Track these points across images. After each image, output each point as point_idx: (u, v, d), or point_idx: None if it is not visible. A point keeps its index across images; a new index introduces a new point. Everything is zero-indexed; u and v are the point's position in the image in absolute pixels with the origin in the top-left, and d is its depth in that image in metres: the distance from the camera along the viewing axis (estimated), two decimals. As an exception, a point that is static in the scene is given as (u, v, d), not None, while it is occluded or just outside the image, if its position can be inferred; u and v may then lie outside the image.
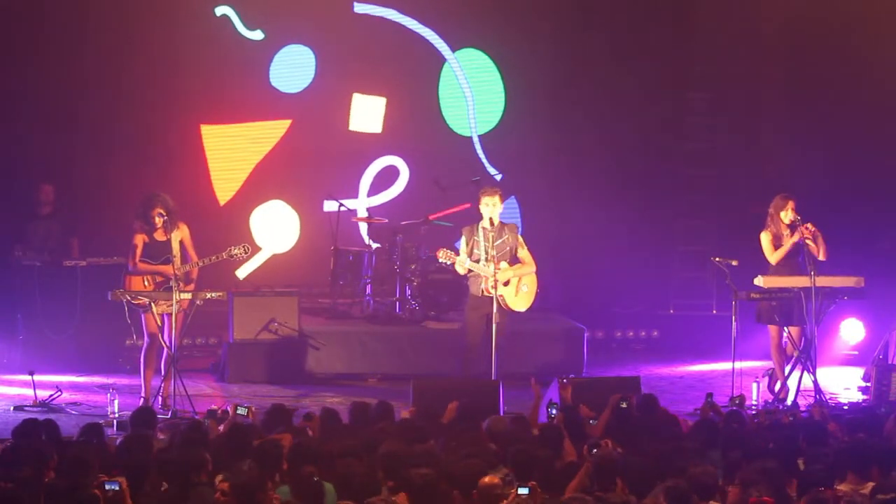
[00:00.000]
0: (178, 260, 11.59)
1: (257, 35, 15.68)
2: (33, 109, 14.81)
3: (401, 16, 16.14)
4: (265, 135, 15.98)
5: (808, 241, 11.99)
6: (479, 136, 16.45)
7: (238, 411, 9.51)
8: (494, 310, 11.52)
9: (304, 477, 7.30)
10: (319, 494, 7.24)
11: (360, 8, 16.02)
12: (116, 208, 14.02)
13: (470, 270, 11.72)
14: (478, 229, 11.76)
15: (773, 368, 12.26)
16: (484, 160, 16.38)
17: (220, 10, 15.59)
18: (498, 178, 16.16)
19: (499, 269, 11.58)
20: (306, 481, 7.26)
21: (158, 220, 11.57)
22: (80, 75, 14.87)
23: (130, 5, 15.04)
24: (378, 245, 14.94)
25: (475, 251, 11.71)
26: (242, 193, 15.89)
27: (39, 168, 14.78)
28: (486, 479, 7.22)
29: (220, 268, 13.04)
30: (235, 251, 11.76)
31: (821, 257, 11.94)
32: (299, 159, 15.95)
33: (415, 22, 16.19)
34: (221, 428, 9.15)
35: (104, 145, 14.95)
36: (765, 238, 12.15)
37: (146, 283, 11.61)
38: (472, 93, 16.40)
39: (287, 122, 15.96)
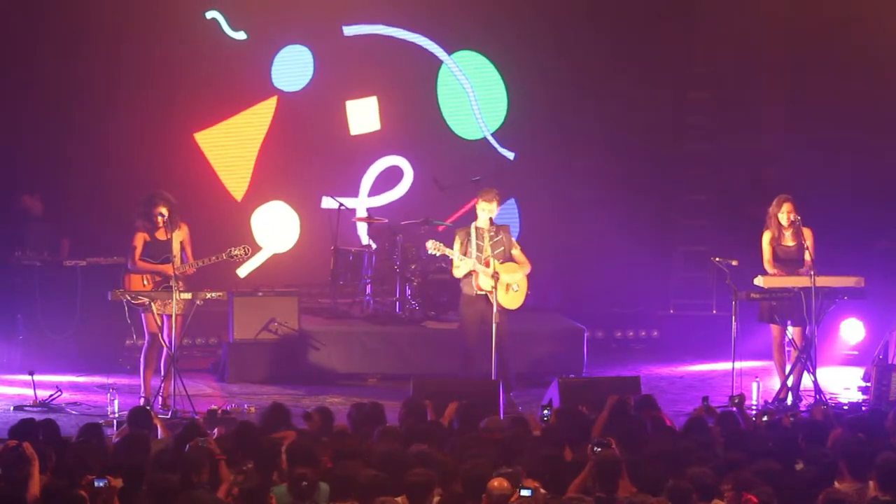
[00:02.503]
0: (177, 260, 11.58)
1: (241, 35, 15.66)
2: (27, 115, 14.82)
3: (390, 28, 16.14)
4: (257, 118, 15.96)
5: (806, 245, 12.02)
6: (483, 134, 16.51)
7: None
8: (495, 309, 11.54)
9: (297, 479, 7.31)
10: (312, 496, 7.25)
11: (349, 31, 16.03)
12: (115, 214, 14.00)
13: (465, 275, 11.79)
14: (472, 230, 11.82)
15: (791, 370, 12.17)
16: (495, 144, 16.38)
17: (210, 15, 15.60)
18: (511, 156, 16.23)
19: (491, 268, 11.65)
20: (298, 483, 7.27)
21: (160, 219, 11.55)
22: (70, 83, 14.87)
23: (115, 17, 15.03)
24: (376, 245, 14.97)
25: (469, 251, 11.77)
26: (255, 186, 15.89)
27: (33, 173, 14.79)
28: (496, 483, 7.21)
29: (221, 268, 13.04)
30: (235, 252, 11.75)
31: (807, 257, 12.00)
32: (301, 159, 15.96)
33: (406, 32, 16.19)
34: (218, 431, 9.13)
35: (100, 152, 14.92)
36: (765, 239, 12.18)
37: (145, 282, 11.60)
38: (475, 93, 16.40)
39: (273, 99, 15.92)
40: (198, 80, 15.40)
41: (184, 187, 14.06)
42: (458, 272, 11.89)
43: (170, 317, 11.39)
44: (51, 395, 11.81)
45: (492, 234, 11.83)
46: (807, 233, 12.08)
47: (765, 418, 9.83)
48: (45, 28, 14.85)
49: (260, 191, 15.92)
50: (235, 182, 15.92)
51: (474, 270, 11.73)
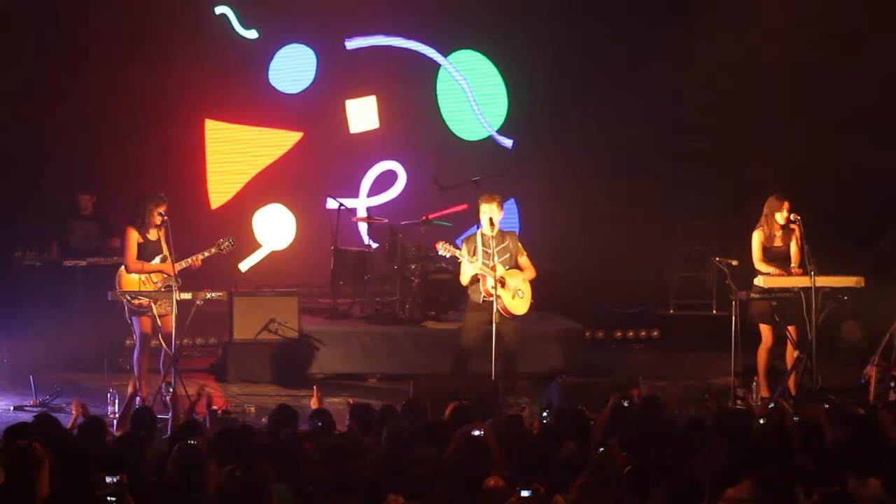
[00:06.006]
0: (169, 260, 11.56)
1: (252, 34, 15.75)
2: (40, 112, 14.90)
3: (389, 38, 16.21)
4: (272, 144, 16.05)
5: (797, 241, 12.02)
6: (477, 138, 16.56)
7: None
8: (495, 310, 11.53)
9: (303, 481, 7.31)
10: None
11: (351, 44, 16.11)
12: (113, 207, 14.04)
13: (471, 281, 11.77)
14: (477, 236, 11.79)
15: (791, 370, 12.16)
16: (493, 133, 16.42)
17: (219, 10, 15.70)
18: (509, 143, 16.25)
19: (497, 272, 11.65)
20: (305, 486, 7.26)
21: (158, 219, 11.53)
22: (79, 70, 14.94)
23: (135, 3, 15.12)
24: (376, 245, 15.01)
25: (476, 258, 11.76)
26: (236, 199, 15.95)
27: (37, 180, 14.84)
28: (491, 482, 7.22)
29: (221, 267, 13.04)
30: (224, 245, 11.76)
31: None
32: (300, 160, 15.99)
33: (404, 40, 16.25)
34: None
35: (100, 143, 14.97)
36: (756, 238, 12.17)
37: (146, 283, 11.56)
38: (473, 93, 16.45)
39: (298, 135, 16.03)
40: (210, 70, 15.47)
41: (177, 186, 14.11)
42: (465, 278, 11.82)
43: (167, 316, 11.36)
44: (50, 395, 11.81)
45: (498, 239, 11.82)
46: (798, 231, 12.06)
47: (762, 420, 9.83)
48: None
49: (249, 197, 15.94)
50: (220, 189, 15.95)
51: (481, 274, 11.69)
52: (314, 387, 10.23)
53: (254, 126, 16.01)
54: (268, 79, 15.98)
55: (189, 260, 11.62)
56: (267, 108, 16.05)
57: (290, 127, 16.09)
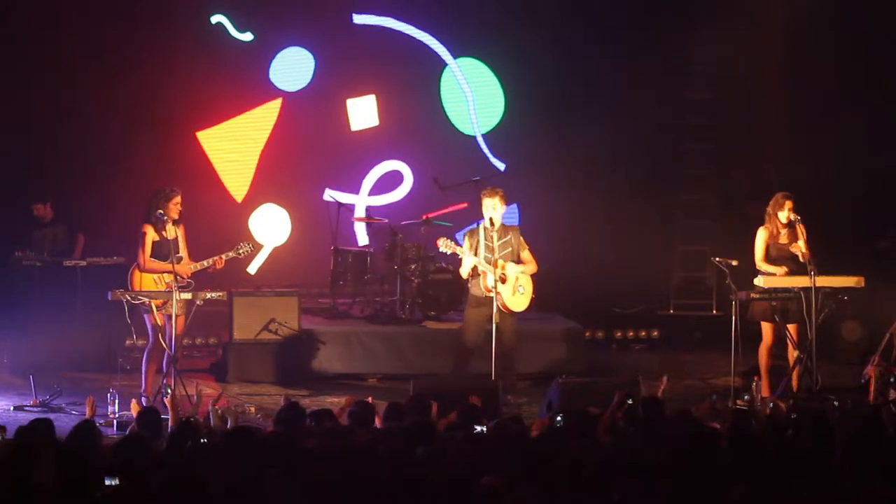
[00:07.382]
0: (185, 258, 11.53)
1: (247, 36, 15.74)
2: (30, 121, 14.91)
3: (399, 23, 16.21)
4: (261, 120, 16.04)
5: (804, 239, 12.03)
6: (482, 136, 16.55)
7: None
8: (495, 309, 11.53)
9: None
10: None
11: (359, 19, 16.12)
12: (119, 213, 14.04)
13: (471, 274, 11.76)
14: (480, 230, 11.80)
15: (791, 370, 12.15)
16: (487, 153, 16.45)
17: (215, 19, 15.71)
18: (502, 167, 16.26)
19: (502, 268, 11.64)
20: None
21: (175, 212, 11.47)
22: (71, 85, 14.97)
23: (119, 16, 15.13)
24: (376, 245, 15.01)
25: (478, 252, 11.75)
26: (255, 187, 15.96)
27: (39, 174, 14.86)
28: (485, 480, 7.22)
29: (223, 267, 13.03)
30: (243, 248, 11.76)
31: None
32: (302, 158, 15.99)
33: (413, 28, 16.26)
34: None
35: (99, 159, 14.99)
36: (760, 237, 12.17)
37: (158, 283, 11.51)
38: (473, 95, 16.45)
39: (278, 101, 16.00)
40: (201, 79, 15.44)
41: (185, 188, 14.12)
42: (465, 271, 11.86)
43: (170, 317, 11.35)
44: (50, 395, 11.81)
45: (500, 234, 11.82)
46: (801, 228, 12.07)
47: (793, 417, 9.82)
48: (49, 32, 14.94)
49: (261, 192, 15.97)
50: (237, 183, 15.99)
51: (482, 270, 11.70)
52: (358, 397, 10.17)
53: (237, 115, 15.99)
54: (267, 78, 15.97)
55: (209, 261, 11.59)
56: (256, 96, 16.02)
57: (269, 98, 16.07)
